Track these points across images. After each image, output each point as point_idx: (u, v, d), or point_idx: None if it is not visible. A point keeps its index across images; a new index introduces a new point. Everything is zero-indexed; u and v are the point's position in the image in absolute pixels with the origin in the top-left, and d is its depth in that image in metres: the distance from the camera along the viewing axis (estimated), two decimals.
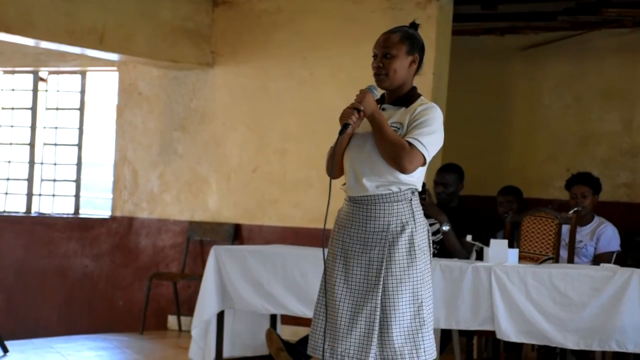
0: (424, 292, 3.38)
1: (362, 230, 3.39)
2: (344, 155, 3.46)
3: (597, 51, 7.31)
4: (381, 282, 3.33)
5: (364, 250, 3.38)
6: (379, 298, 3.32)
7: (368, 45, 6.88)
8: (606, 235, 5.78)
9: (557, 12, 7.10)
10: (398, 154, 3.30)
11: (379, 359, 3.33)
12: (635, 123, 7.20)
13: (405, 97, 3.45)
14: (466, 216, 5.92)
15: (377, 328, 3.32)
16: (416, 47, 3.45)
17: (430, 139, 3.35)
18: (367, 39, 6.84)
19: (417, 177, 3.41)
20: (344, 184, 3.49)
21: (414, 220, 3.38)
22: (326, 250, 3.47)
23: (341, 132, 3.36)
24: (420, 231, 3.39)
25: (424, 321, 3.35)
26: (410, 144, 3.31)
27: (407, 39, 3.44)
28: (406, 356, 3.32)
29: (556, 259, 5.50)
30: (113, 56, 7.29)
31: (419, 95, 3.48)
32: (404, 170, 3.32)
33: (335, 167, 3.45)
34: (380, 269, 3.34)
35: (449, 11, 6.82)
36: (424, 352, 3.35)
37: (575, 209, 5.74)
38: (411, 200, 3.40)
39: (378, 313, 3.32)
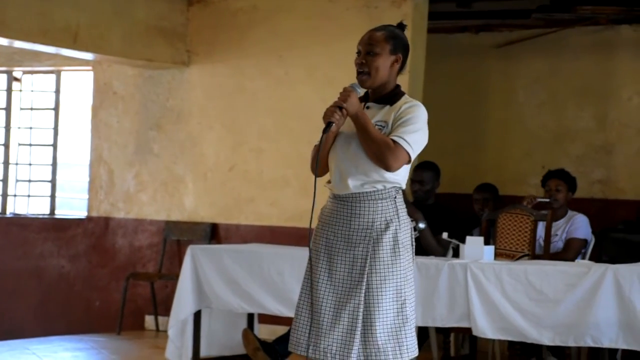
0: (407, 290, 3.39)
1: (346, 228, 3.40)
2: (329, 154, 3.46)
3: (571, 48, 7.35)
4: (365, 280, 3.34)
5: (348, 248, 3.39)
6: (363, 295, 3.33)
7: (343, 44, 6.96)
8: (577, 222, 5.83)
9: (532, 9, 7.14)
10: (382, 153, 3.31)
11: (362, 356, 3.33)
12: (609, 120, 7.25)
13: (389, 96, 3.46)
14: (442, 214, 5.94)
15: (360, 325, 3.32)
16: (399, 47, 3.45)
17: (415, 137, 3.36)
18: (343, 37, 6.93)
19: (401, 175, 3.43)
20: (329, 182, 3.49)
21: (398, 218, 3.40)
22: (314, 245, 3.46)
23: (325, 131, 3.35)
24: (404, 229, 3.41)
25: (406, 318, 3.37)
26: (394, 142, 3.32)
27: (392, 38, 3.44)
28: (389, 353, 3.33)
29: (532, 256, 5.53)
30: (87, 55, 7.25)
31: (403, 94, 3.48)
32: (388, 168, 3.33)
33: (319, 166, 3.45)
34: (364, 266, 3.35)
35: (424, 9, 6.83)
36: (407, 349, 3.36)
37: (547, 199, 5.79)
38: (395, 198, 3.41)
39: (361, 310, 3.33)
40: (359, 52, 3.46)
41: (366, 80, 3.43)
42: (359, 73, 3.44)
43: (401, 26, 3.52)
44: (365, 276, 3.34)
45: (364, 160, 3.36)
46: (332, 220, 3.43)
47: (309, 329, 3.39)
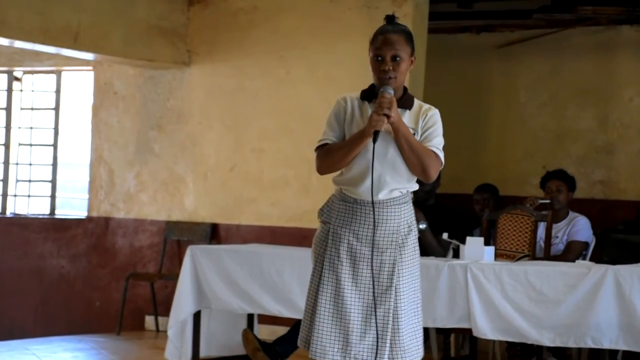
0: (419, 290, 3.44)
1: (371, 233, 3.37)
2: (359, 159, 3.38)
3: (572, 49, 7.34)
4: (394, 284, 3.34)
5: (375, 254, 3.36)
6: (392, 300, 3.33)
7: (344, 44, 6.95)
8: (578, 224, 5.82)
9: (533, 10, 7.13)
10: (427, 164, 3.33)
11: (388, 358, 3.33)
12: (610, 120, 7.24)
13: (403, 99, 3.43)
14: (443, 214, 5.93)
15: (390, 329, 3.33)
16: (414, 48, 3.45)
17: (442, 146, 3.43)
18: (344, 37, 6.92)
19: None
20: (339, 179, 3.43)
21: (415, 220, 3.46)
22: (330, 250, 3.41)
23: (375, 140, 3.30)
24: (416, 230, 3.48)
25: (420, 318, 3.42)
26: (435, 153, 3.36)
27: (410, 40, 3.42)
28: (413, 352, 3.36)
29: (532, 256, 5.52)
30: (88, 55, 7.24)
31: (412, 96, 3.48)
32: (429, 179, 3.38)
33: (339, 168, 3.41)
34: (392, 271, 3.35)
35: (425, 9, 6.82)
36: (420, 348, 3.41)
37: (547, 200, 5.78)
38: (411, 201, 3.46)
39: (392, 315, 3.33)
40: (378, 57, 3.37)
41: (392, 83, 3.38)
42: (383, 78, 3.36)
43: (392, 18, 3.46)
44: (394, 281, 3.34)
45: (400, 168, 3.36)
46: (354, 225, 3.39)
47: (337, 336, 3.35)
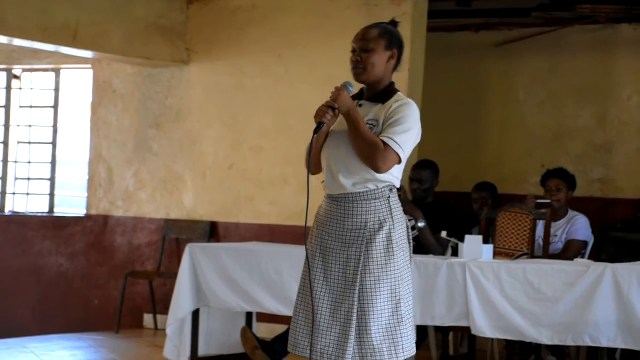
0: (403, 289, 3.36)
1: (340, 228, 3.39)
2: (322, 153, 3.45)
3: (571, 47, 7.35)
4: (359, 280, 3.32)
5: (342, 248, 3.37)
6: (357, 296, 3.32)
7: (343, 42, 6.89)
8: (577, 223, 5.82)
9: (532, 8, 7.14)
10: (371, 154, 3.28)
11: (357, 356, 3.32)
12: (608, 118, 7.25)
13: (382, 94, 3.43)
14: (442, 212, 5.93)
15: (354, 325, 3.31)
16: (395, 43, 3.44)
17: (405, 137, 3.33)
18: (343, 35, 6.86)
19: (395, 175, 3.39)
20: (323, 182, 3.48)
21: (392, 217, 3.37)
22: (310, 245, 3.46)
23: (316, 131, 3.33)
24: (398, 228, 3.38)
25: (402, 318, 3.34)
26: (384, 143, 3.28)
27: (386, 34, 3.43)
28: (385, 353, 3.31)
29: (531, 255, 5.53)
30: (87, 53, 7.24)
31: (396, 91, 3.45)
32: (377, 170, 3.31)
33: (313, 165, 3.44)
34: (357, 267, 3.33)
35: (424, 8, 6.82)
36: (402, 349, 3.34)
37: (548, 201, 5.78)
38: (389, 197, 3.38)
39: (355, 311, 3.31)
40: (354, 50, 3.44)
41: (361, 74, 3.40)
42: (354, 69, 3.42)
43: (394, 23, 3.50)
44: (359, 277, 3.32)
45: (354, 160, 3.34)
46: (327, 220, 3.43)
47: (307, 329, 3.39)
